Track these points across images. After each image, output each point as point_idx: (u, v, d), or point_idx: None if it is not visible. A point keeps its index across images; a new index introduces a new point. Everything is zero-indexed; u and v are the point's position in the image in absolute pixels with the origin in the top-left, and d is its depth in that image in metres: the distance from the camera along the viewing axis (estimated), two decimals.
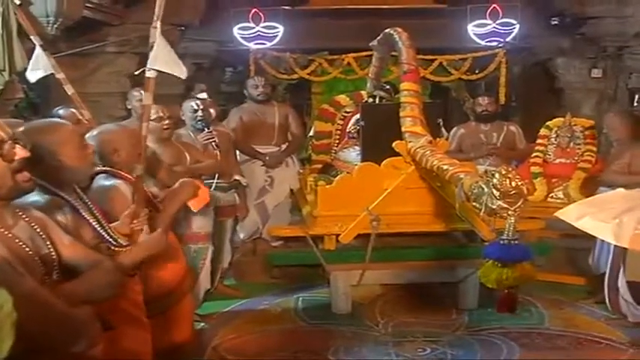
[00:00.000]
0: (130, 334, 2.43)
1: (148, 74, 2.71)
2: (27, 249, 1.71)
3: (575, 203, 2.38)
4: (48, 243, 1.82)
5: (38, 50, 4.37)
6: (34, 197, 2.03)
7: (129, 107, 4.89)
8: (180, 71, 2.77)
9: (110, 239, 2.29)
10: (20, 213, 1.79)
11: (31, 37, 4.54)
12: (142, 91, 4.95)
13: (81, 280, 1.86)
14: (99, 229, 2.27)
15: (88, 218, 2.25)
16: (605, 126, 5.15)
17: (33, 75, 4.42)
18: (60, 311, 1.66)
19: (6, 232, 1.67)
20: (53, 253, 1.83)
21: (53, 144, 2.20)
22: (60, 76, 4.29)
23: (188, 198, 3.35)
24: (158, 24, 2.71)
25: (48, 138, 2.20)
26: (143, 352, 2.58)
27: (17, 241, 1.69)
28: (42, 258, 1.77)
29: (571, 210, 2.27)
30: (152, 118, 4.01)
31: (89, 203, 2.33)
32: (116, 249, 2.29)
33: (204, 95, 6.06)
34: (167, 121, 4.13)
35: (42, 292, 1.62)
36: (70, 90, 4.25)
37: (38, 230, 1.81)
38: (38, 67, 4.34)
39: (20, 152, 1.70)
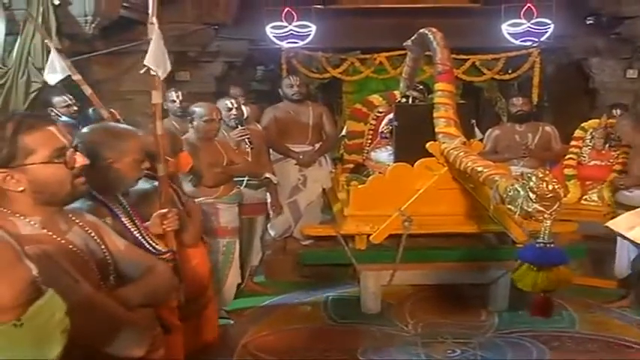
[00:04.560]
0: (164, 338, 2.47)
1: (152, 73, 2.70)
2: (81, 254, 1.71)
3: (626, 213, 2.35)
4: (103, 247, 1.81)
5: (53, 53, 4.43)
6: (76, 203, 2.06)
7: (165, 107, 4.97)
8: (163, 71, 2.74)
9: (149, 247, 2.31)
10: (73, 218, 1.80)
11: (46, 40, 4.61)
12: (176, 92, 5.08)
13: (138, 283, 1.85)
14: (139, 236, 2.27)
15: (129, 226, 2.26)
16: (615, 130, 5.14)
17: (52, 78, 4.47)
18: (118, 316, 1.66)
19: (59, 239, 1.67)
20: (109, 258, 1.82)
21: (116, 150, 2.24)
22: (76, 77, 4.33)
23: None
24: (154, 20, 2.71)
25: (114, 142, 2.24)
26: (175, 354, 2.62)
27: (71, 247, 1.69)
28: (97, 263, 1.76)
29: (622, 220, 2.24)
30: (205, 119, 4.14)
31: (130, 210, 2.35)
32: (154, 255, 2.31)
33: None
34: (217, 125, 4.26)
35: (99, 298, 1.62)
36: (87, 91, 4.30)
37: (92, 235, 1.80)
38: (55, 70, 4.40)
39: (80, 160, 1.72)
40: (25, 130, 1.61)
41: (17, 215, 1.64)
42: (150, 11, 2.73)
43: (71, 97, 5.18)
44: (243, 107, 5.01)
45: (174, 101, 5.19)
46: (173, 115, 5.18)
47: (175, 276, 2.41)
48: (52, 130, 1.67)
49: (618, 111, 6.37)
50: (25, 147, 1.61)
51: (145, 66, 2.66)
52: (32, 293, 1.22)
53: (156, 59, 2.68)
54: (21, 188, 1.62)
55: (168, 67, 2.78)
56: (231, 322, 4.49)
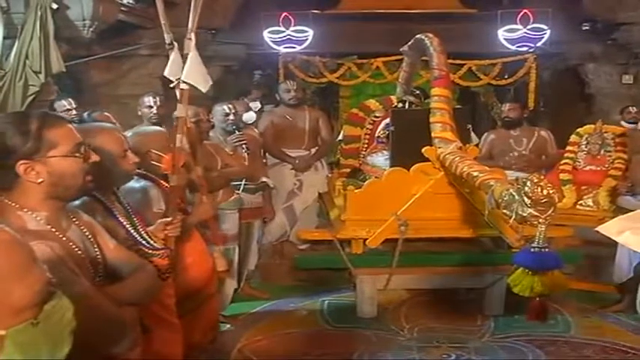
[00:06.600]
0: (160, 336, 2.47)
1: (182, 86, 2.71)
2: (79, 252, 1.79)
3: (616, 218, 2.36)
4: (95, 247, 1.90)
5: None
6: None
7: (139, 113, 4.86)
8: (205, 85, 2.76)
9: (144, 242, 2.32)
10: (72, 217, 1.88)
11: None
12: (154, 97, 4.91)
13: (125, 283, 1.94)
14: (133, 232, 2.29)
15: (122, 221, 2.27)
16: None
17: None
18: (110, 312, 1.73)
19: (61, 235, 1.76)
20: (99, 257, 1.90)
21: (94, 146, 2.26)
22: None
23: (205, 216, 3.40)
24: (192, 35, 2.73)
25: (89, 140, 2.26)
26: (173, 353, 2.62)
27: (71, 244, 1.78)
28: (91, 261, 1.84)
29: (612, 225, 2.24)
30: (193, 120, 4.07)
31: (127, 206, 2.37)
32: (150, 251, 2.33)
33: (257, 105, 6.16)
34: (206, 125, 4.21)
35: (95, 293, 1.69)
36: None
37: (87, 234, 1.89)
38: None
39: (93, 157, 1.87)
40: (49, 125, 1.75)
41: (25, 210, 1.74)
42: (189, 27, 2.75)
43: (72, 101, 5.17)
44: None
45: (151, 107, 4.74)
46: (147, 121, 4.65)
47: (168, 274, 2.43)
48: (71, 128, 1.82)
49: (634, 109, 6.40)
50: (49, 141, 1.73)
51: (181, 80, 2.66)
52: (46, 293, 1.26)
53: (195, 74, 2.70)
54: (40, 180, 1.73)
55: (210, 81, 2.80)
56: (228, 326, 4.48)
